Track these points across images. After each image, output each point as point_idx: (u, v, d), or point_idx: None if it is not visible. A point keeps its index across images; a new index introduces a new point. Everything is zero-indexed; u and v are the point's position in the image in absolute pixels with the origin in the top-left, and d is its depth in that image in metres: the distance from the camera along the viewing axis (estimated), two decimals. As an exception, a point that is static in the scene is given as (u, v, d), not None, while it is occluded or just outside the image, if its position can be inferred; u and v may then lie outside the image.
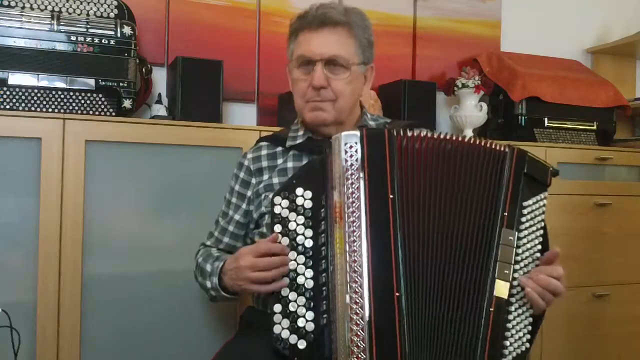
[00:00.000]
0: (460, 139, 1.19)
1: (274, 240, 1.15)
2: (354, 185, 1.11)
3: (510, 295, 1.14)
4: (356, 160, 1.13)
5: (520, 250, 1.15)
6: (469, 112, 2.35)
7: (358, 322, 1.06)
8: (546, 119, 2.41)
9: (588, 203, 2.31)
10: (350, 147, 1.13)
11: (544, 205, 1.18)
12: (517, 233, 1.15)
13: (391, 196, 1.12)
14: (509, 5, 2.69)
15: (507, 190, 1.16)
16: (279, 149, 1.43)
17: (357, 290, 1.07)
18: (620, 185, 2.39)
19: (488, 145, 1.19)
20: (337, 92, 1.33)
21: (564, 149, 2.30)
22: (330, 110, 1.34)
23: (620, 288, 2.37)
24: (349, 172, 1.12)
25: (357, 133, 1.14)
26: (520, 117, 2.39)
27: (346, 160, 1.13)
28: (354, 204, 1.10)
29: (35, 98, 1.70)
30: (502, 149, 1.19)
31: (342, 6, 1.35)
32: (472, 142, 1.19)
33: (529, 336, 1.15)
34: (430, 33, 2.54)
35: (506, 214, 1.15)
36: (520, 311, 1.15)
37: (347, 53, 1.32)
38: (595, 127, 2.50)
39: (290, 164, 1.39)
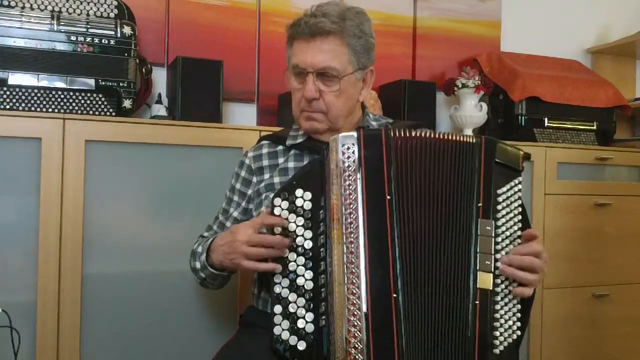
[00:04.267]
0: (439, 135, 1.20)
1: (267, 214, 1.17)
2: (351, 187, 1.12)
3: (495, 285, 1.14)
4: (353, 161, 1.13)
5: (499, 239, 1.16)
6: (469, 112, 2.35)
7: (356, 323, 1.07)
8: (546, 119, 2.41)
9: (588, 203, 2.31)
10: (348, 148, 1.14)
11: (519, 190, 1.19)
12: (494, 222, 1.15)
13: (388, 197, 1.12)
14: (509, 5, 2.69)
15: (480, 180, 1.17)
16: (280, 147, 1.44)
17: (354, 291, 1.08)
18: (620, 185, 2.39)
19: (458, 138, 1.20)
20: (328, 104, 1.33)
21: (564, 149, 2.30)
22: (323, 120, 1.35)
23: (620, 288, 2.37)
24: (347, 174, 1.13)
25: (354, 134, 1.15)
26: (520, 117, 2.39)
27: (343, 162, 1.13)
28: (351, 206, 1.11)
29: (35, 98, 1.70)
30: (471, 140, 1.20)
31: (339, 8, 1.32)
32: (446, 137, 1.20)
33: (519, 324, 1.16)
34: (430, 33, 2.54)
35: (481, 204, 1.16)
36: (507, 300, 1.16)
37: (339, 63, 1.31)
38: (595, 127, 2.50)
39: (291, 164, 1.40)
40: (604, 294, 2.32)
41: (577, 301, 2.28)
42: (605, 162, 2.35)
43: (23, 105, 1.69)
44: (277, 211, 1.17)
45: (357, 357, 1.06)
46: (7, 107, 1.67)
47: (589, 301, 2.31)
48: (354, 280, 1.08)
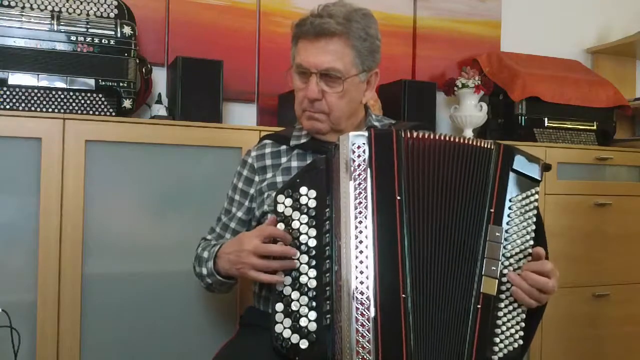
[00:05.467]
0: (453, 138, 1.19)
1: (273, 223, 1.17)
2: (361, 186, 1.11)
3: (500, 292, 1.14)
4: (363, 160, 1.13)
5: (510, 247, 1.15)
6: (469, 112, 2.35)
7: (364, 323, 1.06)
8: (546, 119, 2.41)
9: (588, 203, 2.31)
10: (358, 147, 1.13)
11: (535, 200, 1.18)
12: (504, 229, 1.15)
13: (398, 197, 1.12)
14: (509, 5, 2.69)
15: (494, 186, 1.17)
16: (283, 147, 1.43)
17: (363, 291, 1.07)
18: (620, 185, 2.39)
19: (474, 143, 1.19)
20: (330, 105, 1.33)
21: (563, 149, 2.30)
22: (325, 120, 1.35)
23: (620, 288, 2.37)
24: (357, 173, 1.12)
25: (365, 134, 1.14)
26: (520, 117, 2.39)
27: (353, 161, 1.12)
28: (361, 205, 1.10)
29: (35, 98, 1.70)
30: (488, 146, 1.20)
31: (345, 10, 1.31)
32: (462, 141, 1.19)
33: (521, 333, 1.15)
34: (430, 33, 2.54)
35: (492, 210, 1.16)
36: (510, 308, 1.15)
37: (343, 65, 1.30)
38: (595, 127, 2.50)
39: (294, 163, 1.39)
40: (604, 294, 2.32)
41: (577, 301, 2.28)
42: (605, 162, 2.35)
43: (23, 105, 1.68)
44: (280, 208, 1.17)
45: (365, 357, 1.05)
46: (7, 107, 1.67)
47: (589, 301, 2.31)
48: (363, 280, 1.07)
